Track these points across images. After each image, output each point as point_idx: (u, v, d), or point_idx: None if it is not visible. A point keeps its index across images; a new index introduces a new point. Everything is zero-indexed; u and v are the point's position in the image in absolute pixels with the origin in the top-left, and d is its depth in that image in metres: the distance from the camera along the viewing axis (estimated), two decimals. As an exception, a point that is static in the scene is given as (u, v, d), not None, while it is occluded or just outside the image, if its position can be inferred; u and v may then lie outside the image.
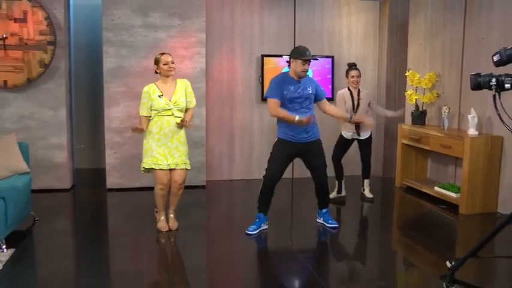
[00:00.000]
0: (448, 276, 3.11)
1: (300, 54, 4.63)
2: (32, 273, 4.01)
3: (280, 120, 4.76)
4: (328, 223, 5.00)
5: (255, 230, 4.78)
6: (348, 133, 5.96)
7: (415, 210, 5.94)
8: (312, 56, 4.71)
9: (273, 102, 4.66)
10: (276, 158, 4.76)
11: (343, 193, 6.12)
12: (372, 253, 4.71)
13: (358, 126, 5.85)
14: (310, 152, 4.80)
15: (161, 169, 4.71)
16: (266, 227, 4.86)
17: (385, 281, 3.94)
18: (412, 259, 4.46)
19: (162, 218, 4.89)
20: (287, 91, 4.65)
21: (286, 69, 4.89)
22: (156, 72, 4.83)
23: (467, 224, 5.25)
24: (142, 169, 4.79)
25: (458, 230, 5.20)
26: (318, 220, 5.10)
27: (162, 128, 4.72)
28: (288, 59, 4.73)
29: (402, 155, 6.68)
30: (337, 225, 5.01)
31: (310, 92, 4.73)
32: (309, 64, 4.67)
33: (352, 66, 5.99)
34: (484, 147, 5.38)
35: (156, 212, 4.95)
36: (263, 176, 4.79)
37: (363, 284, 3.89)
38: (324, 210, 5.05)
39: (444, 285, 3.18)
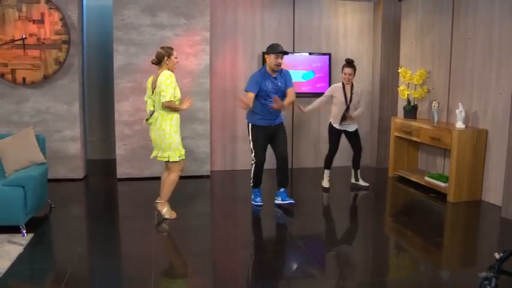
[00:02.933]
0: (496, 267, 3.02)
1: (273, 49, 4.96)
2: (50, 255, 4.11)
3: (255, 108, 5.07)
4: (285, 200, 5.20)
5: (261, 200, 5.23)
6: (336, 124, 5.99)
7: (406, 199, 6.00)
8: (284, 51, 4.97)
9: (250, 95, 4.98)
10: (259, 145, 5.12)
11: (326, 184, 6.14)
12: (367, 238, 4.78)
13: (344, 118, 5.90)
14: (277, 132, 5.15)
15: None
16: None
17: (379, 263, 4.04)
18: (404, 243, 4.54)
19: (168, 206, 4.87)
20: (266, 86, 4.96)
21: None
22: (159, 62, 4.68)
23: (454, 211, 5.32)
24: (178, 158, 4.70)
25: (446, 217, 5.26)
26: (276, 201, 5.27)
27: (179, 119, 4.78)
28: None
29: (395, 147, 6.73)
30: (293, 202, 5.21)
31: (283, 87, 5.08)
32: (281, 58, 4.94)
33: (348, 63, 5.86)
34: (470, 140, 5.44)
35: (158, 203, 4.86)
36: (254, 162, 5.14)
37: (359, 267, 3.96)
38: (282, 190, 5.24)
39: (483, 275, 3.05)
